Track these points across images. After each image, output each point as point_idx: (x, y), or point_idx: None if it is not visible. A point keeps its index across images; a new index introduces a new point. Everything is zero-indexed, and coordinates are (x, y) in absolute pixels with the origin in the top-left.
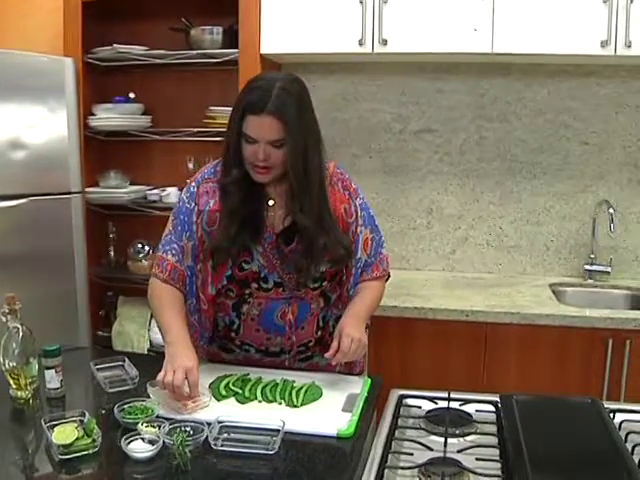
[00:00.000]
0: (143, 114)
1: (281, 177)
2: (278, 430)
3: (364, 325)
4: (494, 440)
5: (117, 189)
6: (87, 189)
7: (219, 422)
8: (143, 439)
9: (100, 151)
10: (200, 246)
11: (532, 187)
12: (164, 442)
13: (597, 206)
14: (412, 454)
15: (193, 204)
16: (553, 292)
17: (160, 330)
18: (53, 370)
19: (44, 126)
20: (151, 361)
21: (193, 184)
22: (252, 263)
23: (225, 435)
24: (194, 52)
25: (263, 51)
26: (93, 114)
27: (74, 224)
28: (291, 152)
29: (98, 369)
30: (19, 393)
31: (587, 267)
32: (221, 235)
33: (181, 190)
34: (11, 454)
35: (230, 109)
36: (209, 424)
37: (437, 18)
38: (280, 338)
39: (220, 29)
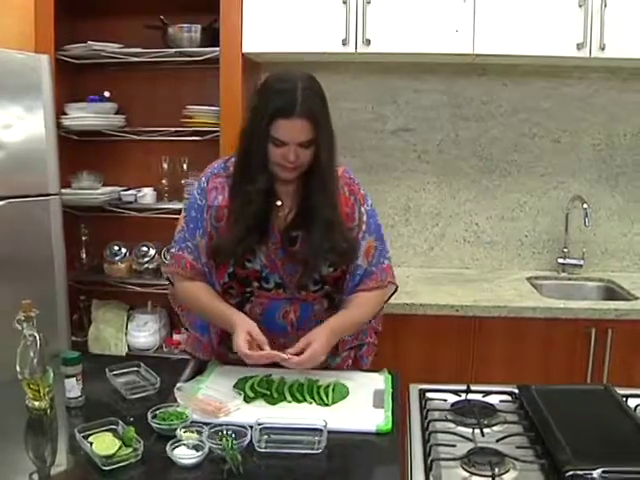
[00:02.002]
0: (116, 113)
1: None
2: (318, 429)
3: (334, 341)
4: (523, 428)
5: (90, 190)
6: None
7: (259, 424)
8: (186, 445)
9: (72, 151)
10: (209, 241)
11: (507, 184)
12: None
13: (570, 202)
14: (455, 445)
15: (204, 200)
16: (532, 285)
17: (211, 321)
18: (74, 378)
19: (21, 126)
20: (164, 365)
21: (203, 179)
22: (254, 262)
23: (265, 437)
24: (172, 50)
25: (245, 50)
26: (65, 113)
27: (52, 227)
28: (322, 150)
29: (114, 375)
30: (37, 403)
31: (560, 261)
32: (228, 237)
33: (156, 190)
34: (46, 467)
35: (209, 108)
36: (251, 427)
37: (420, 19)
38: (282, 339)
39: (198, 27)
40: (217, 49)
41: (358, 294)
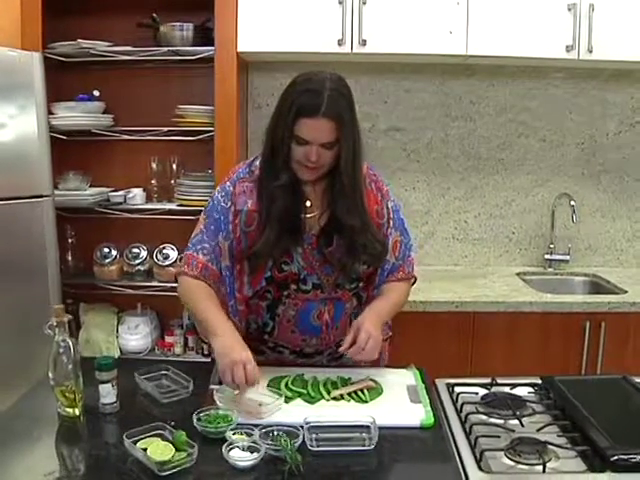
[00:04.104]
0: (103, 113)
1: (320, 176)
2: (366, 426)
3: (382, 324)
4: (553, 417)
5: (78, 191)
6: None
7: (307, 423)
8: (239, 447)
9: (58, 151)
10: (238, 246)
11: (495, 182)
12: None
13: (556, 199)
14: (499, 437)
15: (230, 203)
16: (522, 281)
17: (199, 325)
18: (109, 384)
19: (13, 125)
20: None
21: (228, 183)
22: (292, 264)
23: (314, 435)
24: (165, 49)
25: (240, 49)
26: (52, 113)
27: (45, 229)
28: (344, 153)
29: (143, 379)
30: (70, 410)
31: (547, 256)
32: (263, 240)
33: (146, 191)
34: (102, 477)
35: (202, 107)
36: (301, 427)
37: (415, 21)
38: (316, 339)
39: (191, 26)
40: (212, 48)
41: (389, 283)
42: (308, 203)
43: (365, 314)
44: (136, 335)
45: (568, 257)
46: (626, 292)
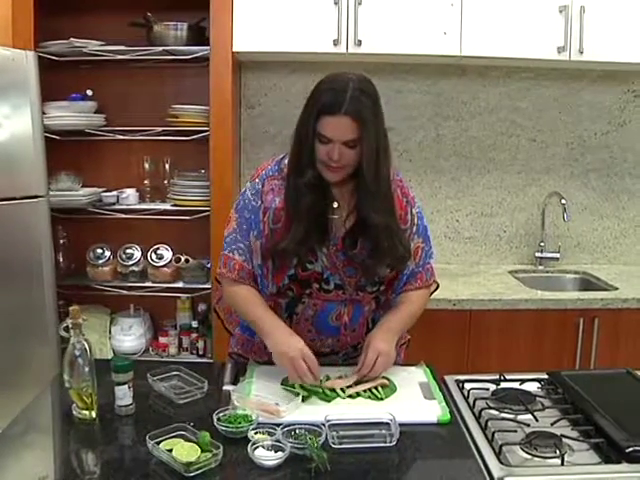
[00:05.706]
0: (96, 112)
1: (346, 178)
2: (386, 423)
3: (395, 338)
4: (564, 412)
5: (69, 191)
6: None
7: (328, 421)
8: (263, 446)
9: (50, 151)
10: (266, 244)
11: (485, 181)
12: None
13: (546, 198)
14: (516, 431)
15: (259, 202)
16: (515, 279)
17: (252, 326)
18: (125, 386)
19: (8, 125)
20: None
21: (257, 181)
22: (316, 264)
23: (334, 433)
24: (160, 48)
25: (236, 49)
26: (44, 112)
27: (40, 230)
28: (366, 152)
29: (155, 380)
30: (87, 413)
31: (538, 254)
32: (290, 237)
33: (139, 191)
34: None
35: (196, 107)
36: (323, 425)
37: (410, 21)
38: (332, 339)
39: (184, 25)
40: (206, 48)
41: (407, 293)
42: (335, 204)
43: (375, 332)
44: (130, 336)
45: (558, 255)
46: (617, 289)
